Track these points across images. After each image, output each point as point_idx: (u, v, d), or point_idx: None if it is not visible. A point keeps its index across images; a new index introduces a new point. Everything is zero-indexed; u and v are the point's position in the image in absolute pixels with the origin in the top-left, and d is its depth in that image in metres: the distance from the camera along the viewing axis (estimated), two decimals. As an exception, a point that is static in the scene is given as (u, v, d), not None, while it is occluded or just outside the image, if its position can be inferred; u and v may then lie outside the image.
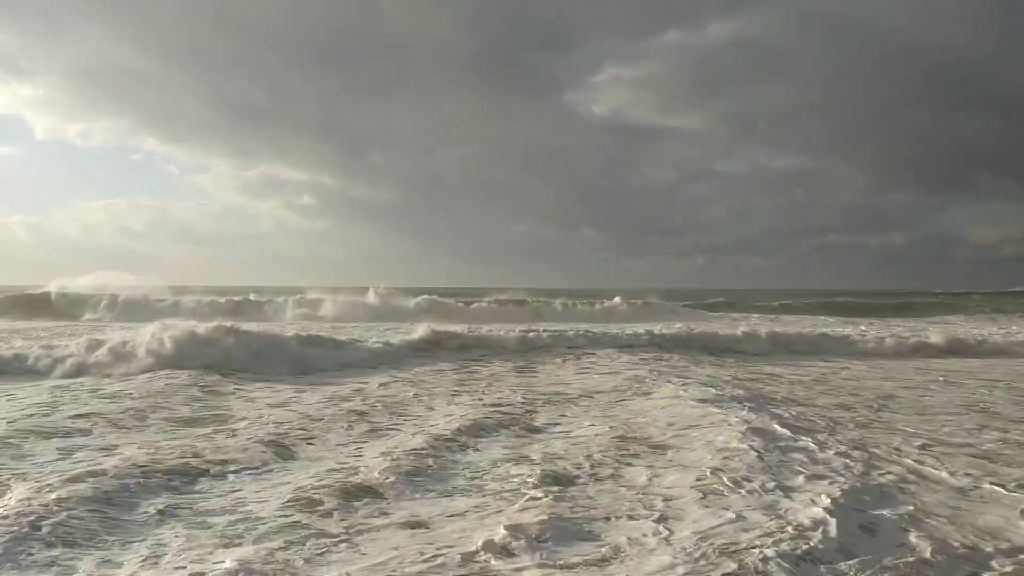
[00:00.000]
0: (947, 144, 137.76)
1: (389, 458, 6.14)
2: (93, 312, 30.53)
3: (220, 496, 5.22)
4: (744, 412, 8.32)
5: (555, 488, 5.33)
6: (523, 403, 9.28)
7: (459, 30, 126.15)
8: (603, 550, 4.17)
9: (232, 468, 5.98)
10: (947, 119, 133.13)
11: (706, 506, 4.95)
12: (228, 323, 14.05)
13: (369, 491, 5.32)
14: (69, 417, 7.89)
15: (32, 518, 4.52)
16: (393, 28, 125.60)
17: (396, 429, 7.67)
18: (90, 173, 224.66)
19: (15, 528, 4.35)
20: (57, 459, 6.09)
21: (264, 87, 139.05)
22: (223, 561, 3.97)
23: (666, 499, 5.12)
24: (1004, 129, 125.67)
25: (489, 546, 4.17)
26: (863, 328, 23.43)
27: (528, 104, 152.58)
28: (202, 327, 13.23)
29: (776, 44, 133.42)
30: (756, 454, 6.29)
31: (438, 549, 4.18)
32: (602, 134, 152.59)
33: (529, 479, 5.57)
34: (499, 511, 4.86)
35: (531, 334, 16.62)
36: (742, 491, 5.25)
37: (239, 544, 4.26)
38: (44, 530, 4.36)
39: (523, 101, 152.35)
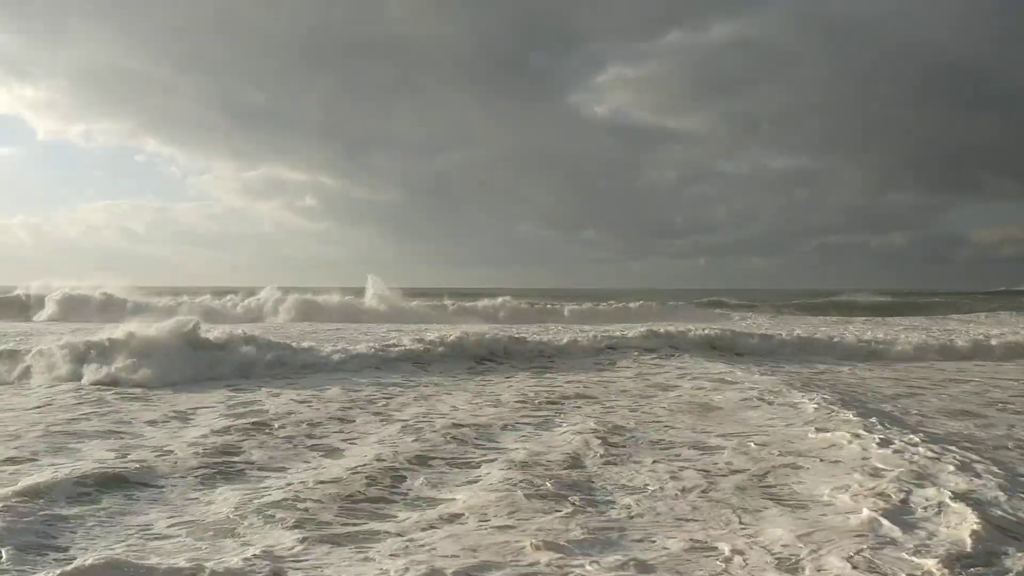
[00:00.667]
0: (948, 144, 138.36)
1: (425, 459, 6.30)
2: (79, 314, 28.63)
3: (279, 490, 5.31)
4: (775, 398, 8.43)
5: (582, 492, 5.41)
6: (549, 403, 9.39)
7: (461, 31, 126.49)
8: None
9: (283, 464, 6.13)
10: (948, 119, 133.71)
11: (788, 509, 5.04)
12: (240, 330, 13.92)
13: (415, 485, 5.52)
14: (113, 421, 7.94)
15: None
16: (395, 29, 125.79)
17: (423, 425, 7.77)
18: (92, 174, 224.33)
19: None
20: (115, 459, 6.14)
21: (266, 89, 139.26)
22: (294, 549, 4.08)
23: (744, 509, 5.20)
24: (1005, 129, 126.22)
25: (550, 546, 4.23)
26: (863, 327, 23.56)
27: (530, 105, 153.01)
28: (216, 332, 13.12)
29: (778, 45, 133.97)
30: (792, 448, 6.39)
31: (490, 545, 4.26)
32: (604, 135, 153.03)
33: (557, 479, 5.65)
34: (536, 511, 4.94)
35: (579, 337, 16.30)
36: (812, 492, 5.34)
37: (306, 534, 4.37)
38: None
39: (525, 102, 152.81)
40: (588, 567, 3.93)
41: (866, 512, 4.67)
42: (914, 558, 3.94)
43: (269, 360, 12.30)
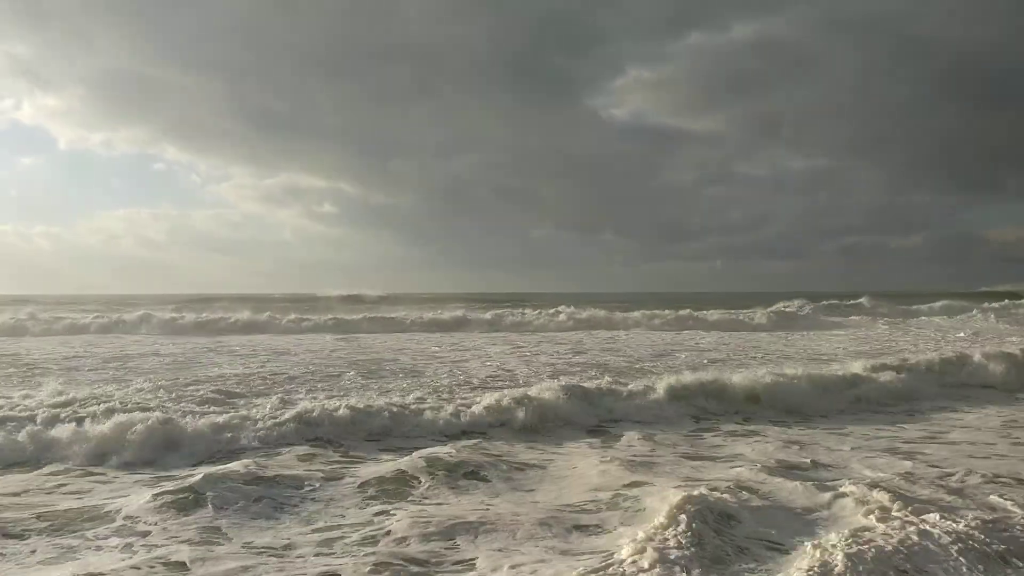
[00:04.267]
0: (968, 144, 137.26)
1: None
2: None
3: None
4: None
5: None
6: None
7: (480, 35, 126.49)
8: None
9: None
10: (968, 119, 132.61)
11: None
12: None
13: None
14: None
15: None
16: (413, 34, 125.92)
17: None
18: (112, 183, 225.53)
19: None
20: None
21: (284, 96, 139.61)
22: None
23: None
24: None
25: None
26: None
27: (549, 108, 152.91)
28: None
29: (798, 45, 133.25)
30: None
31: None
32: (623, 138, 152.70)
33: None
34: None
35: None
36: None
37: None
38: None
39: (544, 105, 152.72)
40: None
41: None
42: None
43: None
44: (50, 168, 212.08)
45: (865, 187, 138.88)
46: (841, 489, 5.34)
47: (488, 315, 28.61)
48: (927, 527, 4.34)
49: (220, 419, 7.49)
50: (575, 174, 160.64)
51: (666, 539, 4.23)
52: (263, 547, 4.45)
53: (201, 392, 9.78)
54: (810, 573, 3.77)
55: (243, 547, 4.45)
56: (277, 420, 7.53)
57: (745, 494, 5.29)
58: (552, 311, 29.65)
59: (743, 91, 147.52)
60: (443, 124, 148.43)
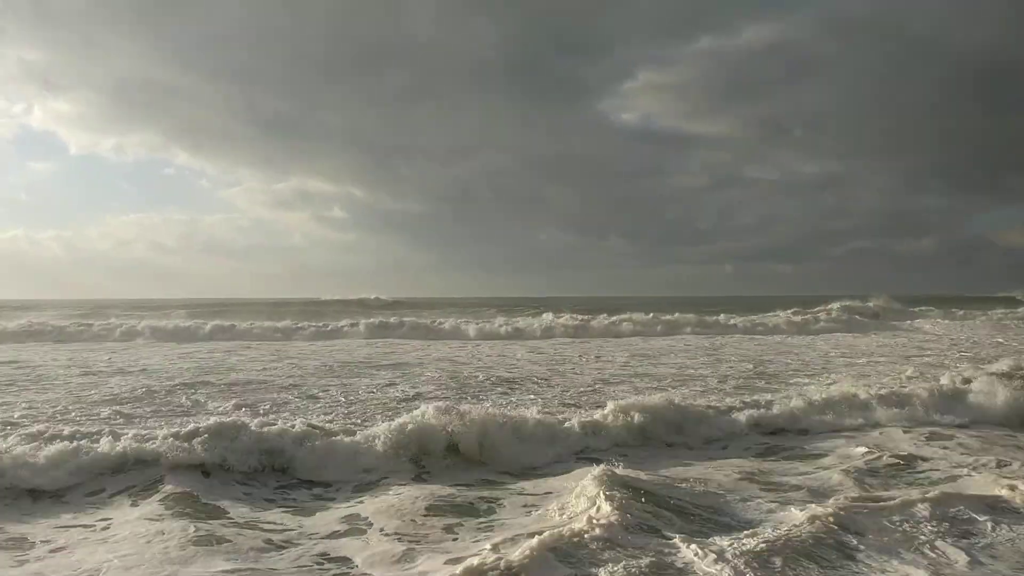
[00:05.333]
0: (977, 147, 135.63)
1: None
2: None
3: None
4: None
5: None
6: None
7: (489, 38, 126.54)
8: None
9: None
10: (977, 121, 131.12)
11: None
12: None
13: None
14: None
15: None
16: (422, 37, 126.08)
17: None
18: (122, 187, 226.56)
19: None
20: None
21: (294, 100, 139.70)
22: None
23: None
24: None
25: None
26: None
27: (558, 112, 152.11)
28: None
29: (808, 48, 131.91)
30: None
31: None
32: (631, 141, 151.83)
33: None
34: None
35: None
36: None
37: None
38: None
39: (552, 109, 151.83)
40: None
41: None
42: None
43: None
44: (61, 173, 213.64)
45: (875, 190, 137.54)
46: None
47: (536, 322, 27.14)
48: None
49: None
50: (584, 178, 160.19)
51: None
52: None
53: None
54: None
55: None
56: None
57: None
58: (613, 318, 28.24)
59: (753, 94, 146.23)
60: (452, 127, 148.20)
